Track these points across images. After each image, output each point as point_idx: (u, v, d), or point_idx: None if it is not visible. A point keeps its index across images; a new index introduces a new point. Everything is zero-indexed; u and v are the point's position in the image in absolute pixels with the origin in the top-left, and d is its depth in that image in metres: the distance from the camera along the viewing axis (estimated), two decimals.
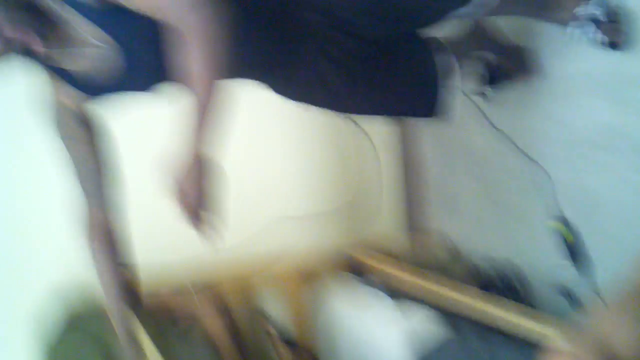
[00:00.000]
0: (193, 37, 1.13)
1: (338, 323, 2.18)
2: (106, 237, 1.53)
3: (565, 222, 1.98)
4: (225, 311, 2.22)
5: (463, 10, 1.51)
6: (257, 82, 1.52)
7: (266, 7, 1.38)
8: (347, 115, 1.83)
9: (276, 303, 2.41)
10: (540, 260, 2.10)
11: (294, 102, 1.59)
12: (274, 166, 2.44)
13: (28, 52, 1.23)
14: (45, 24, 1.24)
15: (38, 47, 1.22)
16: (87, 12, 1.23)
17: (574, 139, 1.93)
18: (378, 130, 2.48)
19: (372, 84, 1.55)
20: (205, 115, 1.17)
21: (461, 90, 2.23)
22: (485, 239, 2.36)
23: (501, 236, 2.28)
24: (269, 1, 1.39)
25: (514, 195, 2.20)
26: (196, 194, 1.20)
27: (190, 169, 1.18)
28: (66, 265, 2.08)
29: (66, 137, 1.44)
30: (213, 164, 1.21)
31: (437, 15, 1.57)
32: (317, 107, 1.61)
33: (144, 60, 1.32)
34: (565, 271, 1.99)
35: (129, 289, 1.58)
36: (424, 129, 2.61)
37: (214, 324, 2.15)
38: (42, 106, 1.43)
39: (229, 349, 2.14)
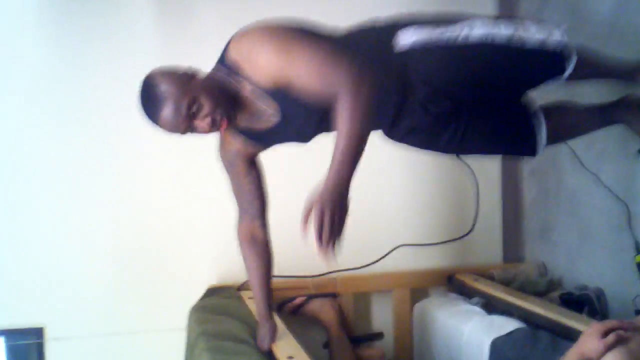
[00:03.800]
0: (348, 109, 1.41)
1: (436, 330, 2.52)
2: (253, 242, 2.02)
3: None
4: (341, 314, 2.64)
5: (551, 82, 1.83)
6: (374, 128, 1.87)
7: (390, 73, 1.71)
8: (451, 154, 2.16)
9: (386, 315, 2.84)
10: (623, 288, 2.34)
11: (396, 143, 1.96)
12: (398, 202, 2.86)
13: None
14: (237, 104, 1.68)
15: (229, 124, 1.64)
16: (263, 89, 1.63)
17: None
18: (483, 170, 2.82)
19: (462, 132, 1.87)
20: (352, 162, 1.41)
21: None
22: (574, 268, 2.62)
23: (589, 266, 2.53)
24: (392, 69, 1.71)
25: (602, 229, 2.45)
26: (332, 224, 1.39)
27: (334, 203, 1.39)
28: (219, 266, 2.64)
29: (233, 171, 1.94)
30: (349, 201, 1.43)
31: (525, 87, 1.90)
32: (416, 148, 2.00)
33: (305, 126, 1.75)
34: None
35: (267, 283, 2.05)
36: (523, 168, 2.93)
37: (332, 324, 2.57)
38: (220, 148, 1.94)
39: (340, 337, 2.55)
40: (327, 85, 1.46)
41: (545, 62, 1.80)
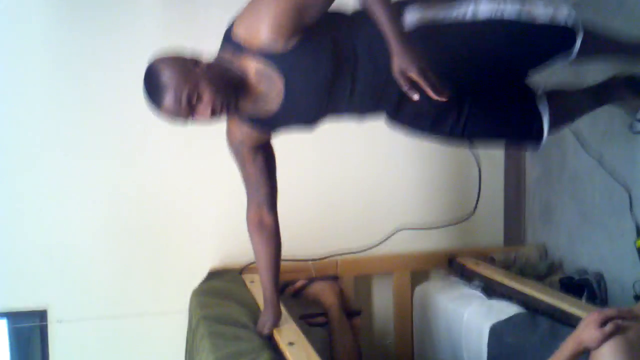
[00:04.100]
0: None
1: (437, 314, 2.54)
2: (260, 228, 2.02)
3: None
4: (342, 296, 2.66)
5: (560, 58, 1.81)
6: (377, 113, 1.87)
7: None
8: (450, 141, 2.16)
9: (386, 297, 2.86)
10: (623, 272, 2.35)
11: (402, 129, 1.94)
12: (399, 185, 2.87)
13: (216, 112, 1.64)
14: (239, 91, 1.67)
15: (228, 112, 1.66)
16: (273, 58, 1.63)
17: None
18: (485, 153, 2.81)
19: (464, 118, 1.85)
20: (398, 24, 1.57)
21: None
22: (575, 250, 2.63)
23: (589, 248, 2.54)
24: None
25: (603, 212, 2.46)
26: (426, 74, 1.55)
27: (414, 60, 1.54)
28: (221, 249, 2.65)
29: (239, 158, 1.93)
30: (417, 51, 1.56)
31: (534, 64, 1.86)
32: (421, 134, 1.99)
33: (309, 108, 1.74)
34: None
35: (274, 269, 2.05)
36: (525, 152, 2.92)
37: (333, 307, 2.58)
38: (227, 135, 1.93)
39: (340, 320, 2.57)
40: None
41: (555, 37, 1.77)
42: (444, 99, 1.58)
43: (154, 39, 2.49)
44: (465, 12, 1.71)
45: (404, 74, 1.55)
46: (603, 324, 1.43)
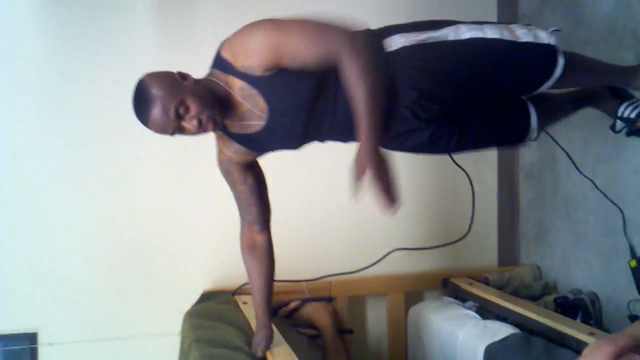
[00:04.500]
0: (354, 70, 1.53)
1: (431, 335, 2.52)
2: (253, 248, 2.02)
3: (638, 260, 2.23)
4: (336, 317, 2.64)
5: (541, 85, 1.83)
6: None
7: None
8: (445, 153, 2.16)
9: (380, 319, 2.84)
10: (617, 292, 2.34)
11: (399, 151, 1.92)
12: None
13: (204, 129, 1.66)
14: (225, 107, 1.70)
15: (215, 126, 1.67)
16: (254, 81, 1.67)
17: None
18: (479, 173, 2.82)
19: (458, 132, 1.86)
20: (375, 120, 1.55)
21: (554, 140, 2.55)
22: (569, 271, 2.62)
23: (583, 269, 2.53)
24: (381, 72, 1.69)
25: (596, 233, 2.46)
26: (382, 178, 1.56)
27: (376, 161, 1.55)
28: (214, 271, 2.64)
29: (229, 178, 1.95)
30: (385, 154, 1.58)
31: (514, 90, 1.90)
32: (418, 154, 1.99)
33: (292, 127, 1.74)
34: (638, 304, 2.23)
35: (267, 289, 2.04)
36: (520, 172, 2.93)
37: (327, 328, 2.57)
38: (217, 156, 1.94)
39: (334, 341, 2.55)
40: (324, 49, 1.57)
41: (537, 53, 1.78)
42: (392, 212, 1.60)
43: (145, 59, 2.51)
44: (447, 34, 1.74)
45: (359, 169, 1.56)
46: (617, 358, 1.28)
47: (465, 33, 1.74)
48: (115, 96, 2.44)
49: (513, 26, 1.81)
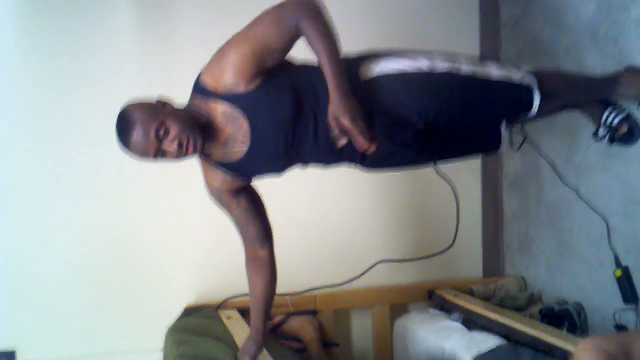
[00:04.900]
0: (314, 31, 1.63)
1: (417, 347, 2.49)
2: (255, 262, 2.03)
3: (625, 270, 2.23)
4: (321, 331, 2.62)
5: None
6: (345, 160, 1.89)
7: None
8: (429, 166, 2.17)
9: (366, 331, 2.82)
10: (603, 302, 2.34)
11: (367, 170, 1.95)
12: (378, 218, 2.86)
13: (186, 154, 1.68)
14: (207, 133, 1.71)
15: (195, 148, 1.68)
16: (237, 100, 1.68)
17: (633, 197, 2.21)
18: (463, 185, 2.81)
19: (436, 150, 1.90)
20: (341, 70, 1.64)
21: (538, 151, 2.55)
22: (554, 281, 2.62)
23: (569, 279, 2.53)
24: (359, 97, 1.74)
25: (581, 243, 2.46)
26: (357, 122, 1.64)
27: (350, 108, 1.64)
28: (197, 285, 2.60)
29: (223, 205, 1.95)
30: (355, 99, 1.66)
31: (492, 120, 1.90)
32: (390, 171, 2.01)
33: (275, 148, 1.76)
34: (624, 313, 2.23)
35: (265, 301, 2.05)
36: (504, 183, 2.93)
37: (313, 342, 2.54)
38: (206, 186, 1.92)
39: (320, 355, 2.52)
40: (287, 24, 1.65)
41: (510, 92, 1.84)
42: (372, 149, 1.70)
43: (128, 67, 2.50)
44: (422, 66, 1.78)
45: (337, 120, 1.66)
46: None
47: (441, 64, 1.79)
48: (97, 106, 2.44)
49: (488, 63, 1.86)
